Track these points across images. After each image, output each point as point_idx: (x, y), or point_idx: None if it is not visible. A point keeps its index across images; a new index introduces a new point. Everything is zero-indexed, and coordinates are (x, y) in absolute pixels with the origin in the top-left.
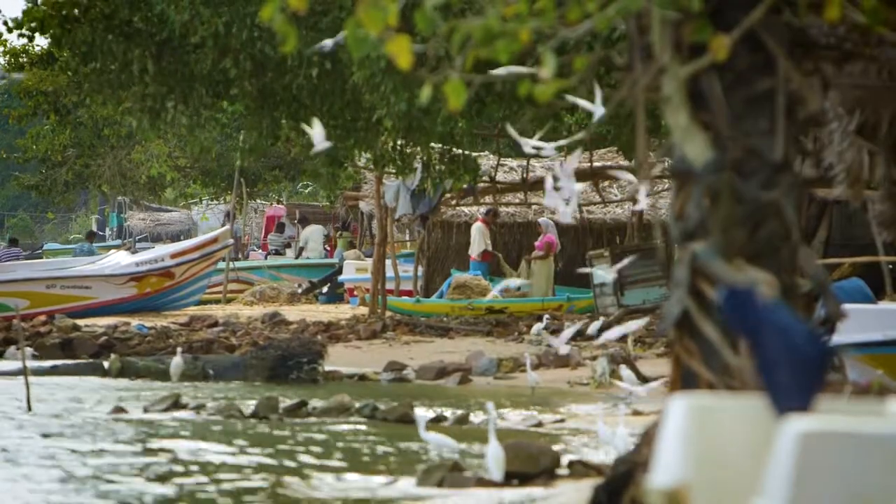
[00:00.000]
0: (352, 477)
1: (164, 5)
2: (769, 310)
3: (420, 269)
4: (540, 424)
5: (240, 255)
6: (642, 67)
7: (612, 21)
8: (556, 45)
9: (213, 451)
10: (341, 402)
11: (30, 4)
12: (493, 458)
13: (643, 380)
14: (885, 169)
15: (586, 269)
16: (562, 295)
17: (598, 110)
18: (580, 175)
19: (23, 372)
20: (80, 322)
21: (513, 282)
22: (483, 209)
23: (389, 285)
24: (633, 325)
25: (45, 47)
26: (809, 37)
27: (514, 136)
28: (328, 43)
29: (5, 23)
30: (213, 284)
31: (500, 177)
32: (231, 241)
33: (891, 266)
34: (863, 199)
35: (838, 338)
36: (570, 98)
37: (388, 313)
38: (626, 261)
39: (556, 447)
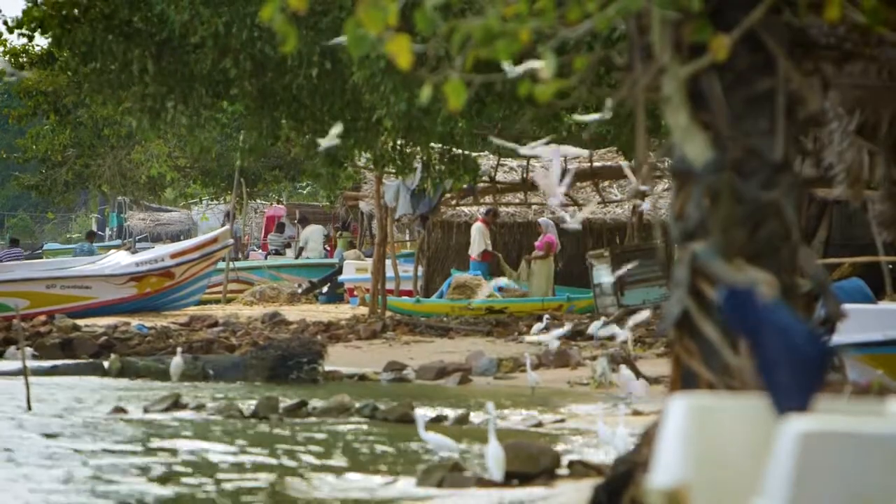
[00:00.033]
0: (352, 477)
1: (164, 5)
2: (769, 310)
3: (420, 269)
4: (540, 424)
5: (240, 255)
6: (642, 67)
7: (612, 21)
8: (556, 45)
9: (214, 451)
10: (341, 402)
11: (30, 4)
12: (493, 458)
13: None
14: (885, 169)
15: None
16: (562, 295)
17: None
18: (580, 175)
19: (23, 372)
20: (80, 322)
21: (501, 281)
22: (483, 209)
23: (389, 285)
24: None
25: (45, 47)
26: (809, 37)
27: (505, 143)
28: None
29: (5, 22)
30: (213, 284)
31: (500, 177)
32: (231, 241)
33: (891, 266)
34: (863, 199)
35: (838, 338)
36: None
37: (388, 313)
38: (626, 268)
39: (556, 447)
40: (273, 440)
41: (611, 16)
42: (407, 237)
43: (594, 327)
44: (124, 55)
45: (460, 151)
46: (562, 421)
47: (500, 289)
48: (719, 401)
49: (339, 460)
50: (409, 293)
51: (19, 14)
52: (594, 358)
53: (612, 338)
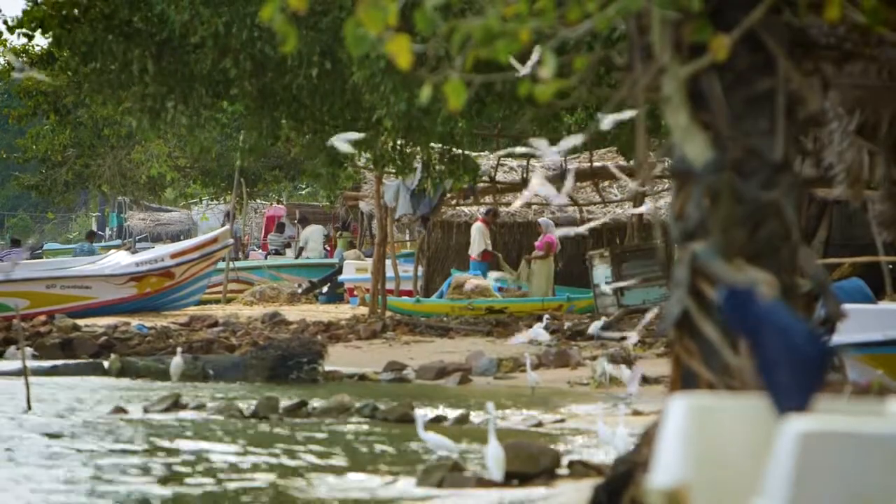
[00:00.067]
0: (352, 477)
1: (164, 5)
2: (769, 310)
3: (420, 269)
4: (540, 424)
5: (240, 255)
6: (642, 67)
7: (612, 21)
8: (556, 45)
9: (214, 451)
10: (341, 402)
11: (30, 4)
12: (493, 458)
13: (643, 380)
14: (885, 169)
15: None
16: (562, 295)
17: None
18: (580, 175)
19: (23, 372)
20: (80, 322)
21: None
22: (483, 209)
23: (389, 285)
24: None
25: (45, 47)
26: (809, 37)
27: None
28: None
29: (5, 22)
30: (213, 284)
31: (500, 177)
32: (231, 241)
33: (891, 266)
34: (863, 199)
35: (838, 338)
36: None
37: (388, 313)
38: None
39: (556, 447)
40: (273, 440)
41: (611, 16)
42: (407, 237)
43: (594, 327)
44: (124, 55)
45: (460, 151)
46: (562, 421)
47: (501, 289)
48: (719, 401)
49: (339, 460)
50: (409, 293)
51: (19, 14)
52: (594, 358)
53: (623, 339)
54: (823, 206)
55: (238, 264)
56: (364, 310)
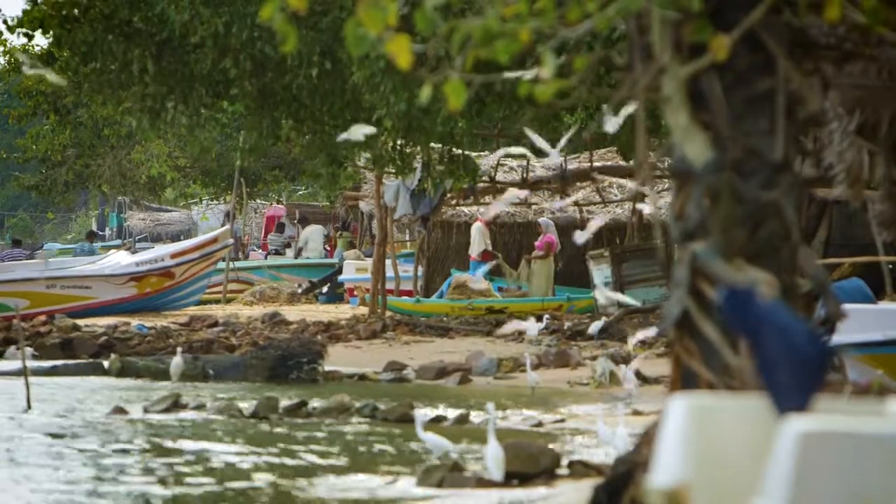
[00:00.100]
0: (352, 477)
1: (164, 5)
2: (769, 310)
3: (420, 269)
4: (540, 424)
5: (240, 255)
6: (642, 67)
7: (612, 21)
8: (556, 45)
9: (214, 452)
10: (341, 402)
11: (30, 4)
12: (493, 458)
13: (643, 379)
14: (885, 169)
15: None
16: (562, 295)
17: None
18: (580, 175)
19: (23, 372)
20: (80, 322)
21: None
22: (483, 209)
23: (389, 285)
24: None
25: (45, 47)
26: (809, 37)
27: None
28: None
29: (5, 21)
30: (213, 284)
31: (500, 177)
32: (231, 241)
33: (891, 266)
34: (863, 199)
35: (838, 338)
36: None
37: (388, 313)
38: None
39: (556, 447)
40: (273, 440)
41: (611, 16)
42: (407, 237)
43: (594, 327)
44: (124, 55)
45: (460, 151)
46: (562, 421)
47: (500, 288)
48: (719, 401)
49: (339, 460)
50: (409, 293)
51: (19, 14)
52: (594, 358)
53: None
54: (823, 206)
55: (238, 264)
56: (364, 310)
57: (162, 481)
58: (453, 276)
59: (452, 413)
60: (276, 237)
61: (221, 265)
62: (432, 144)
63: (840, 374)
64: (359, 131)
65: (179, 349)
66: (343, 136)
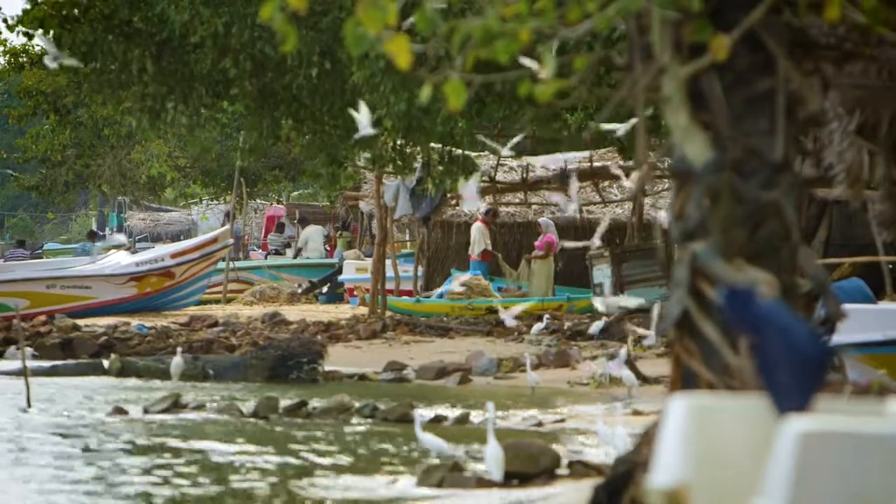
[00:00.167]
0: (352, 477)
1: (164, 5)
2: (769, 310)
3: (420, 269)
4: (540, 424)
5: (240, 255)
6: (642, 67)
7: (612, 21)
8: (556, 45)
9: (214, 452)
10: (341, 402)
11: (30, 4)
12: (493, 458)
13: (643, 380)
14: (885, 169)
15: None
16: (562, 295)
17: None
18: (580, 175)
19: (23, 372)
20: (80, 322)
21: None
22: (483, 209)
23: (389, 285)
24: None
25: (44, 47)
26: (809, 37)
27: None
28: None
29: (5, 20)
30: (213, 284)
31: (500, 177)
32: (231, 241)
33: (891, 266)
34: (863, 199)
35: (838, 338)
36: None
37: (388, 313)
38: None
39: (556, 447)
40: (273, 440)
41: (611, 16)
42: (407, 237)
43: (594, 327)
44: (124, 55)
45: (460, 152)
46: (562, 421)
47: (500, 288)
48: (719, 401)
49: (339, 460)
50: (409, 293)
51: (19, 13)
52: (594, 358)
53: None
54: (823, 206)
55: (238, 264)
56: (364, 310)
57: (161, 481)
58: (453, 275)
59: (452, 413)
60: (276, 237)
61: (221, 265)
62: (432, 144)
63: (840, 374)
64: (363, 119)
65: (179, 349)
66: (358, 135)
